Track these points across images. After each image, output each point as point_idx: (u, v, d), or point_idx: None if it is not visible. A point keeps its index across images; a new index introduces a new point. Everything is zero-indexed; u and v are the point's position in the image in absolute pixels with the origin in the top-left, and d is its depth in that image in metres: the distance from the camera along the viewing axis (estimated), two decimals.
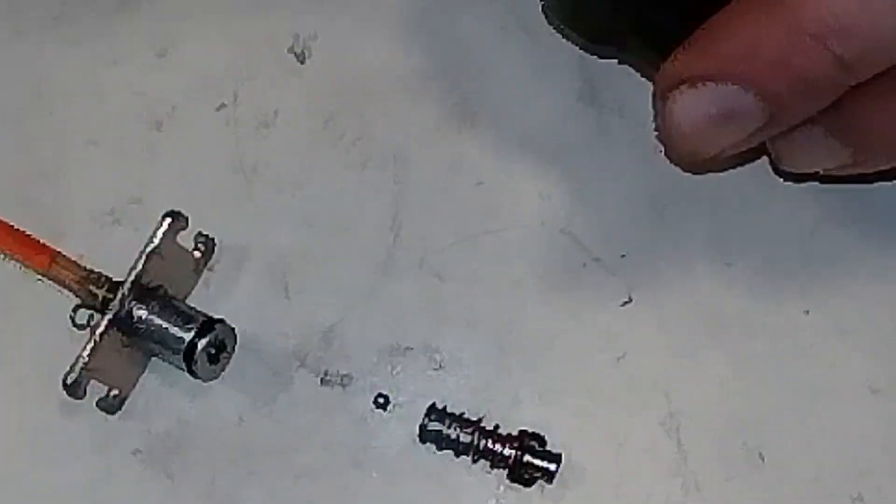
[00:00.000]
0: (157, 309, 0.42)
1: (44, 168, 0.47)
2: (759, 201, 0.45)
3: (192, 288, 0.45)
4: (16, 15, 0.49)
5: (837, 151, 0.39)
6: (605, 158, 0.46)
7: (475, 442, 0.41)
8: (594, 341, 0.44)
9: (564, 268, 0.45)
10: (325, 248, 0.45)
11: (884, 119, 0.38)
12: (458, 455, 0.42)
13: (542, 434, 0.42)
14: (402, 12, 0.48)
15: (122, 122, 0.47)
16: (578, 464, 0.42)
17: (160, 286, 0.42)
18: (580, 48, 0.47)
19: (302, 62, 0.48)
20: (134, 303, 0.41)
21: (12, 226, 0.44)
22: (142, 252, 0.42)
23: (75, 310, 0.43)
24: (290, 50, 0.48)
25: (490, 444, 0.41)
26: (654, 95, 0.39)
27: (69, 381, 0.40)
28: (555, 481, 0.41)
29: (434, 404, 0.42)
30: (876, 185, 0.45)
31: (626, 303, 0.44)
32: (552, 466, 0.41)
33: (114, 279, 0.42)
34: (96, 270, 0.43)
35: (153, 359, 0.43)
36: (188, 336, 0.41)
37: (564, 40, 0.47)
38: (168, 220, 0.42)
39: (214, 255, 0.45)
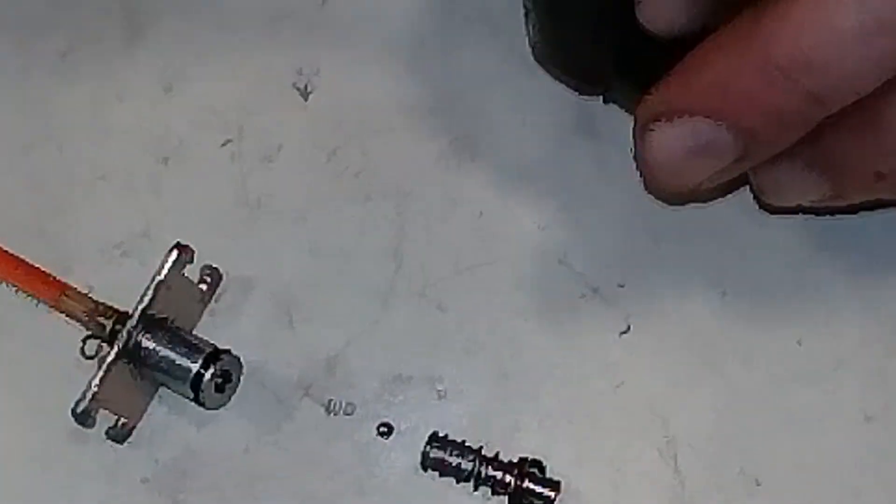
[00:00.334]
0: (164, 340, 0.42)
1: (53, 202, 0.47)
2: (753, 232, 0.45)
3: (199, 318, 0.45)
4: (23, 52, 0.50)
5: (817, 184, 0.40)
6: (603, 190, 0.46)
7: (476, 469, 0.42)
8: (593, 370, 0.44)
9: (563, 298, 0.45)
10: (329, 279, 0.46)
11: (859, 151, 0.38)
12: (459, 482, 0.42)
13: (541, 461, 0.42)
14: (404, 48, 0.49)
15: (129, 157, 0.48)
16: (577, 490, 0.42)
17: (167, 317, 0.43)
18: (571, 88, 0.47)
19: (305, 97, 0.49)
20: (142, 334, 0.42)
21: (23, 259, 0.45)
22: (149, 284, 0.42)
23: (84, 340, 0.43)
24: (294, 85, 0.49)
25: (491, 471, 0.42)
26: (633, 129, 0.40)
27: (79, 410, 0.41)
28: None
29: (436, 432, 0.42)
30: (870, 214, 0.45)
31: (623, 332, 0.44)
32: (552, 493, 0.41)
33: (122, 311, 0.43)
34: (105, 302, 0.43)
35: (160, 388, 0.44)
36: (195, 366, 0.42)
37: None
38: (175, 252, 0.42)
39: (220, 287, 0.45)
